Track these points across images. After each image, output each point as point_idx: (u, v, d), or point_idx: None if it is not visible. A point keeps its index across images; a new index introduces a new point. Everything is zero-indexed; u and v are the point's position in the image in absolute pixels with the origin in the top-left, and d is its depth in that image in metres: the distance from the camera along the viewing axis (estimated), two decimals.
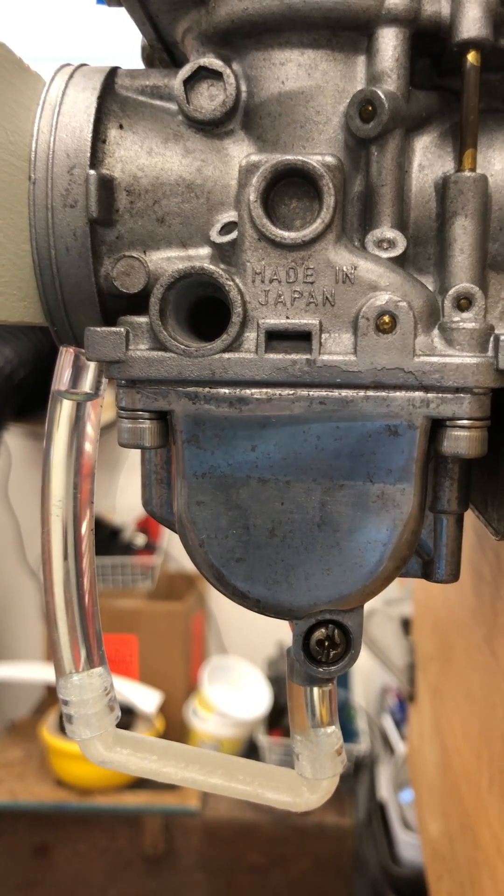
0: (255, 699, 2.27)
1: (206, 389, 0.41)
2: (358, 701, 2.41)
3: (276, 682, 2.32)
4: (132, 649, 2.29)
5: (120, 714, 0.49)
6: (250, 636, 2.40)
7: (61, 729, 2.12)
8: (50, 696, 2.40)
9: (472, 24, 0.40)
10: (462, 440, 0.40)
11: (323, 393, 0.40)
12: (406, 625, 1.36)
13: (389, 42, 0.41)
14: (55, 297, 0.44)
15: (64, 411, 0.46)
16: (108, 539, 2.47)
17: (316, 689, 0.47)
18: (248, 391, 0.40)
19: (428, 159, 0.43)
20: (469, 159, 0.41)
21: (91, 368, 0.47)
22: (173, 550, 2.53)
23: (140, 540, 2.54)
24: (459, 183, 0.41)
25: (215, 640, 2.57)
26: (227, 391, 0.40)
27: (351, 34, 0.41)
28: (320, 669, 0.44)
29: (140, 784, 2.11)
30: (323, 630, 0.44)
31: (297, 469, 0.41)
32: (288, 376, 0.40)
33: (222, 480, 0.42)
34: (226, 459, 0.41)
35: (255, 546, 0.42)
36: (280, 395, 0.40)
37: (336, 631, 0.44)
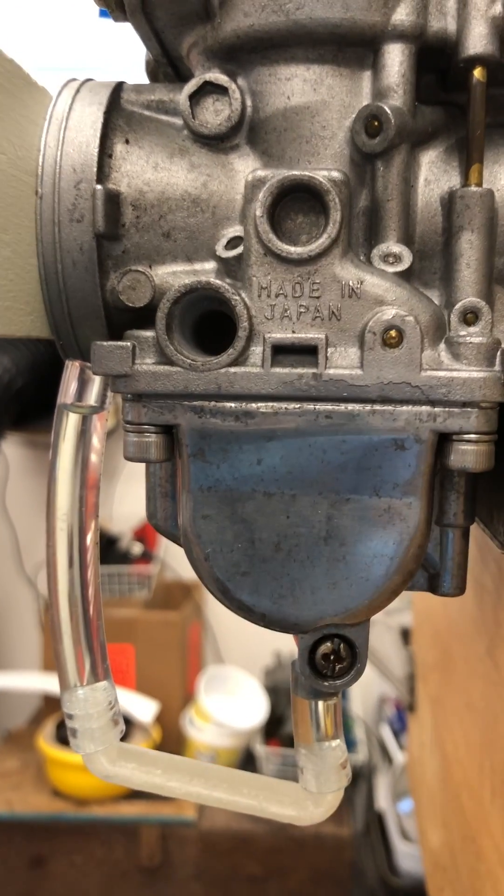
0: (251, 709, 2.27)
1: (212, 403, 0.41)
2: (356, 711, 2.41)
3: (273, 692, 2.31)
4: (128, 659, 2.28)
5: (124, 728, 0.49)
6: (247, 646, 2.40)
7: (58, 739, 2.11)
8: (47, 705, 2.39)
9: (478, 40, 0.40)
10: (469, 454, 0.40)
11: (329, 407, 0.40)
12: (406, 635, 1.36)
13: (395, 58, 0.41)
14: (61, 310, 0.44)
15: (70, 424, 0.46)
16: (104, 548, 2.46)
17: (321, 703, 0.47)
18: (254, 405, 0.40)
19: (434, 174, 0.43)
20: (475, 174, 0.41)
21: (97, 381, 0.47)
22: (170, 559, 2.52)
23: (137, 549, 2.53)
24: (466, 198, 0.41)
25: (212, 649, 2.56)
26: (233, 405, 0.40)
27: (357, 50, 0.41)
28: (326, 683, 0.44)
29: (137, 794, 2.10)
30: (328, 644, 0.44)
31: (302, 483, 0.41)
32: (294, 390, 0.40)
33: (228, 494, 0.42)
34: (231, 473, 0.41)
35: (260, 560, 0.42)
36: (286, 408, 0.40)
37: (342, 645, 0.43)
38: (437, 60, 0.42)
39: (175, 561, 2.51)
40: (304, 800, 0.49)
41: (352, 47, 0.41)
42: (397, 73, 0.41)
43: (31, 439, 2.48)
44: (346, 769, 0.49)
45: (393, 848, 1.95)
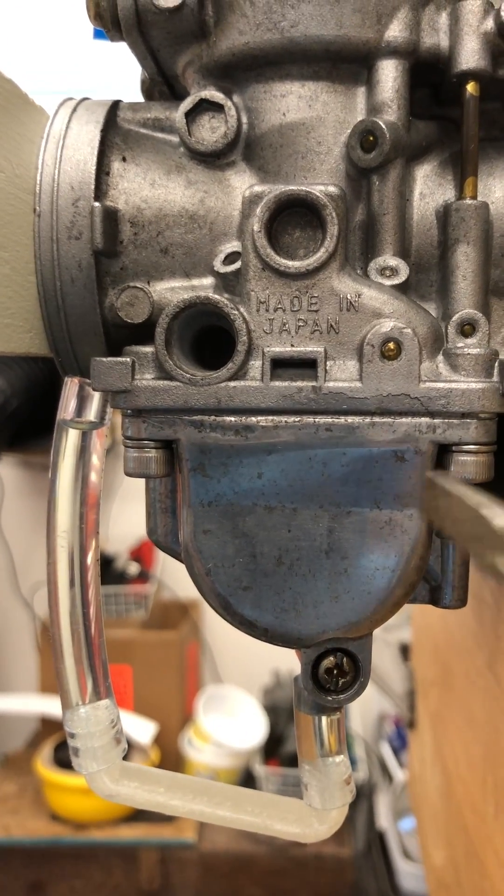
0: (250, 729, 2.25)
1: (212, 418, 0.41)
2: (355, 728, 2.39)
3: (272, 711, 2.30)
4: (126, 679, 2.27)
5: (127, 747, 0.48)
6: (245, 665, 2.39)
7: (56, 762, 2.09)
8: (44, 728, 2.37)
9: (470, 55, 0.41)
10: (469, 465, 0.40)
11: (329, 420, 0.40)
12: (405, 651, 1.35)
13: (389, 73, 0.41)
14: (60, 327, 0.44)
15: (70, 441, 0.46)
16: (100, 568, 2.45)
17: (324, 718, 0.47)
18: (253, 419, 0.40)
19: (429, 188, 0.44)
20: (470, 187, 0.42)
21: (96, 397, 0.47)
22: (167, 579, 2.51)
23: (133, 569, 2.52)
24: (461, 210, 0.41)
25: (210, 669, 2.55)
26: (233, 419, 0.41)
27: (351, 66, 0.42)
28: (329, 698, 0.44)
29: (136, 816, 2.08)
30: (331, 658, 0.43)
31: (303, 496, 0.41)
32: (294, 403, 0.40)
33: (229, 508, 0.42)
34: (232, 487, 0.41)
35: (262, 574, 0.42)
36: (286, 422, 0.40)
37: (345, 659, 0.43)
38: (430, 75, 0.43)
39: (172, 580, 2.49)
40: (308, 816, 0.49)
41: (346, 64, 0.42)
42: (391, 89, 0.42)
43: (26, 460, 2.47)
44: (350, 785, 0.48)
45: (395, 867, 1.93)
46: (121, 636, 2.29)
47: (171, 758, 2.23)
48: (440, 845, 1.03)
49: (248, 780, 2.22)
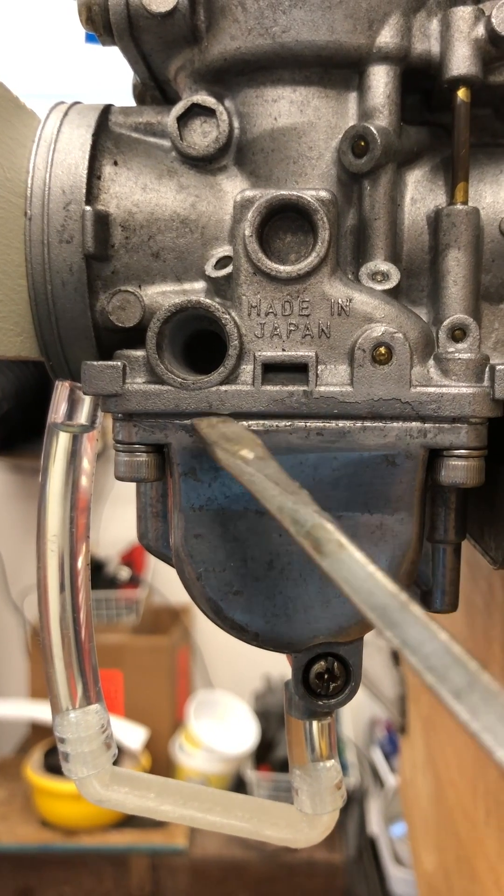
0: (242, 734, 2.25)
1: None
2: (346, 733, 2.39)
3: (263, 716, 2.29)
4: (117, 685, 2.26)
5: (117, 752, 0.48)
6: (236, 670, 2.38)
7: (46, 768, 2.08)
8: (34, 734, 2.36)
9: (461, 62, 0.41)
10: (460, 470, 0.40)
11: (320, 424, 0.40)
12: (396, 656, 1.35)
13: (381, 79, 0.42)
14: (51, 331, 0.44)
15: (60, 444, 0.46)
16: (91, 573, 2.44)
17: (315, 723, 0.47)
18: (245, 423, 0.40)
19: (420, 193, 0.44)
20: (461, 192, 0.42)
21: (87, 401, 0.47)
22: (158, 584, 2.51)
23: (124, 573, 2.52)
24: (452, 216, 0.42)
25: (201, 674, 2.54)
26: None
27: (343, 72, 0.42)
28: (320, 703, 0.44)
29: (126, 822, 2.08)
30: (322, 663, 0.43)
31: None
32: (285, 408, 0.40)
33: (220, 513, 0.42)
34: (223, 492, 0.41)
35: (253, 579, 0.42)
36: (277, 426, 0.40)
37: (335, 663, 0.43)
38: (421, 81, 0.43)
39: (163, 585, 2.49)
40: (299, 821, 0.48)
41: (338, 69, 0.42)
42: (383, 94, 0.42)
43: (16, 464, 2.46)
44: (341, 790, 0.48)
45: (386, 873, 1.93)
46: (111, 641, 2.29)
47: (161, 763, 2.23)
48: (431, 850, 1.03)
49: (239, 785, 2.22)
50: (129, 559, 2.54)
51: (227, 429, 0.38)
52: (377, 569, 0.25)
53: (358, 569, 0.25)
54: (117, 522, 1.69)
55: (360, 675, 0.44)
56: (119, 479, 0.42)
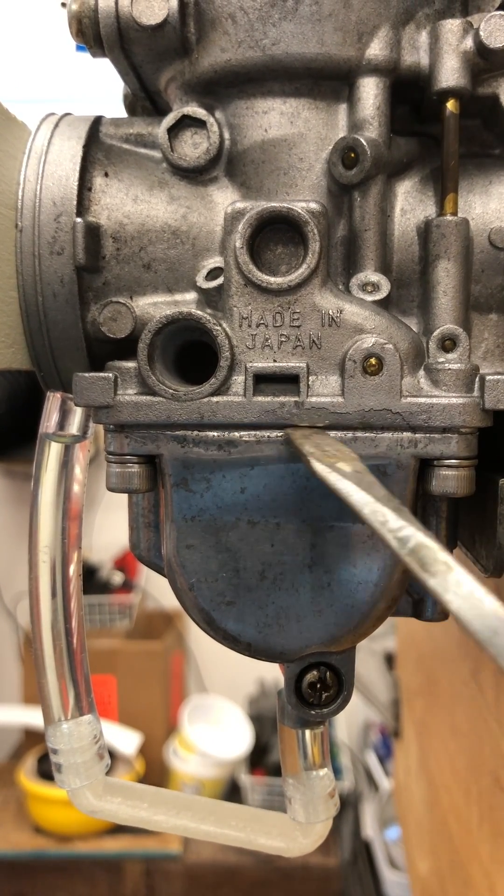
0: (236, 738, 2.24)
1: (195, 433, 0.41)
2: (341, 737, 2.39)
3: (258, 721, 2.29)
4: (110, 690, 2.26)
5: (110, 762, 0.48)
6: (230, 674, 2.38)
7: (39, 774, 2.07)
8: (28, 740, 2.35)
9: (450, 73, 0.41)
10: (450, 479, 0.40)
11: None
12: (390, 660, 1.35)
13: (370, 91, 0.42)
14: (42, 342, 0.44)
15: (52, 454, 0.46)
16: (84, 578, 2.43)
17: (308, 732, 0.47)
18: (236, 434, 0.41)
19: (410, 204, 0.44)
20: (450, 203, 0.42)
21: (78, 411, 0.47)
22: (151, 589, 2.50)
23: (117, 578, 2.51)
24: (442, 227, 0.42)
25: (195, 678, 2.54)
26: (215, 434, 0.41)
27: (332, 83, 0.42)
28: (313, 712, 0.44)
29: (120, 829, 2.07)
30: (315, 672, 0.43)
31: (286, 511, 0.41)
32: (276, 418, 0.40)
33: (212, 523, 0.42)
34: (215, 502, 0.41)
35: (245, 589, 0.42)
36: (269, 437, 0.40)
37: (328, 673, 0.43)
38: (411, 93, 0.43)
39: (156, 590, 2.49)
40: (292, 831, 0.48)
41: (327, 81, 0.42)
42: (372, 106, 0.42)
43: (8, 469, 2.46)
44: (334, 798, 0.48)
45: (381, 877, 1.93)
46: (105, 646, 2.28)
47: (156, 768, 2.22)
48: (425, 855, 1.03)
49: (233, 789, 2.21)
50: (123, 564, 2.54)
51: (323, 440, 0.38)
52: (486, 591, 0.25)
53: (465, 590, 0.25)
54: (110, 527, 1.69)
55: (353, 685, 0.44)
56: (111, 490, 0.42)
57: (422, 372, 0.41)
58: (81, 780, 0.47)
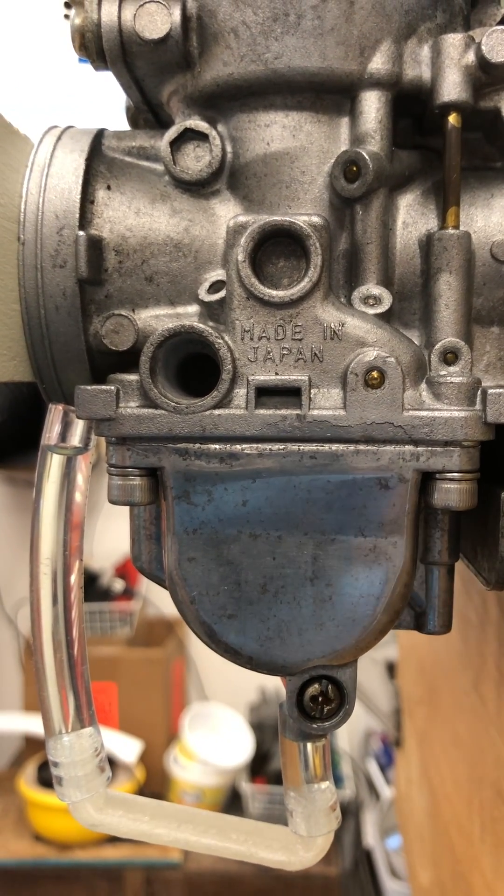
0: (237, 746, 2.24)
1: (197, 445, 0.41)
2: (342, 745, 2.39)
3: (259, 729, 2.29)
4: (111, 697, 2.25)
5: (111, 775, 0.48)
6: (231, 682, 2.37)
7: (40, 782, 2.07)
8: (28, 747, 2.35)
9: (452, 87, 0.41)
10: (452, 493, 0.40)
11: (313, 447, 0.40)
12: (391, 669, 1.35)
13: (372, 104, 0.42)
14: (44, 355, 0.44)
15: (54, 466, 0.46)
16: (85, 585, 2.43)
17: (309, 745, 0.47)
18: (238, 447, 0.41)
19: (412, 217, 0.44)
20: (452, 217, 0.42)
21: (80, 423, 0.47)
22: (152, 596, 2.50)
23: (118, 586, 2.51)
24: (443, 240, 0.42)
25: (196, 686, 2.53)
26: (217, 447, 0.41)
27: (334, 97, 0.42)
28: (314, 725, 0.44)
29: (120, 837, 2.06)
30: (316, 686, 0.43)
31: (288, 523, 0.41)
32: (278, 431, 0.40)
33: (213, 536, 0.42)
34: (217, 515, 0.41)
35: (247, 602, 0.42)
36: (270, 450, 0.40)
37: (330, 686, 0.43)
38: (412, 106, 0.43)
39: (157, 598, 2.48)
40: (293, 844, 0.48)
41: (330, 94, 0.42)
42: (374, 120, 0.42)
43: (10, 476, 2.46)
44: (335, 811, 0.48)
45: (382, 886, 1.92)
46: (106, 654, 2.28)
47: (156, 776, 2.22)
48: (427, 865, 1.02)
49: (234, 797, 2.21)
50: (124, 571, 2.53)
51: None
52: None
53: None
54: (112, 534, 1.69)
55: (355, 698, 0.44)
56: (112, 502, 0.42)
57: (424, 385, 0.41)
58: (82, 793, 0.47)
